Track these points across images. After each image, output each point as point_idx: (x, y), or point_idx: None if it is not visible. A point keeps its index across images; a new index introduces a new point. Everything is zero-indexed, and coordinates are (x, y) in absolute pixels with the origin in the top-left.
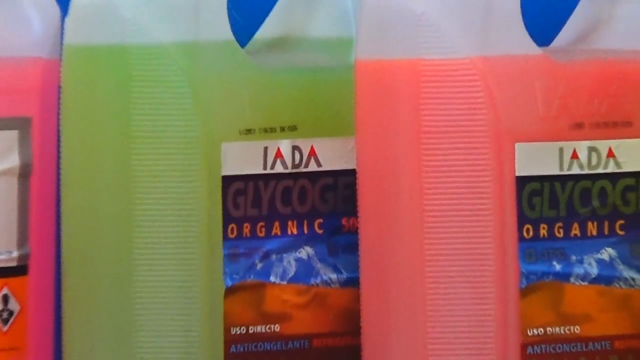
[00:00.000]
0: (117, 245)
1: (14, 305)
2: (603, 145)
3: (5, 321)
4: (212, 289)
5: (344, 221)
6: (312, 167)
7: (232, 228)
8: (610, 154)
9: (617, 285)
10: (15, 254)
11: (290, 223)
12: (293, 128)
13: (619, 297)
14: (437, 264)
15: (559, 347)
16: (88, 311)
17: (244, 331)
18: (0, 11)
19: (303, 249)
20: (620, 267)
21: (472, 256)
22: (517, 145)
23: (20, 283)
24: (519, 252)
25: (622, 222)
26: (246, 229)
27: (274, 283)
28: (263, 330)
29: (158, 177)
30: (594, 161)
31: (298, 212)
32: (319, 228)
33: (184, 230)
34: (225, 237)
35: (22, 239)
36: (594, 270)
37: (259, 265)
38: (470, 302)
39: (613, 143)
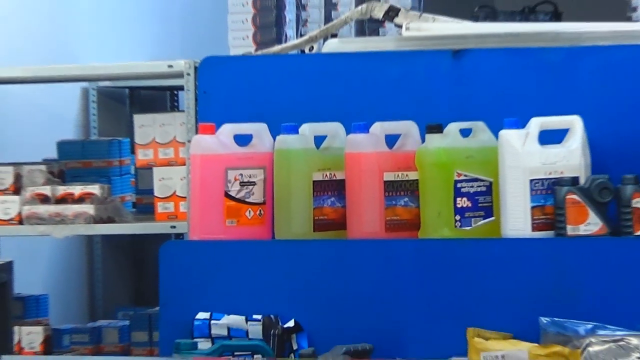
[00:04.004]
0: (286, 195)
1: (263, 210)
2: (409, 173)
3: (261, 214)
4: (310, 207)
5: (344, 192)
6: (334, 178)
7: (316, 193)
8: (413, 176)
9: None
10: (262, 199)
11: (330, 192)
12: (330, 168)
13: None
14: (368, 202)
15: (394, 221)
16: (283, 209)
17: (319, 218)
18: (258, 139)
19: (333, 197)
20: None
21: (374, 199)
22: (384, 173)
23: (263, 206)
24: (384, 198)
25: (417, 191)
26: (320, 193)
27: (326, 206)
28: (324, 217)
29: (297, 186)
30: (405, 177)
31: (332, 188)
32: (337, 194)
33: (302, 192)
34: (314, 195)
35: (265, 195)
36: (402, 203)
37: (321, 202)
38: (376, 208)
39: (410, 173)
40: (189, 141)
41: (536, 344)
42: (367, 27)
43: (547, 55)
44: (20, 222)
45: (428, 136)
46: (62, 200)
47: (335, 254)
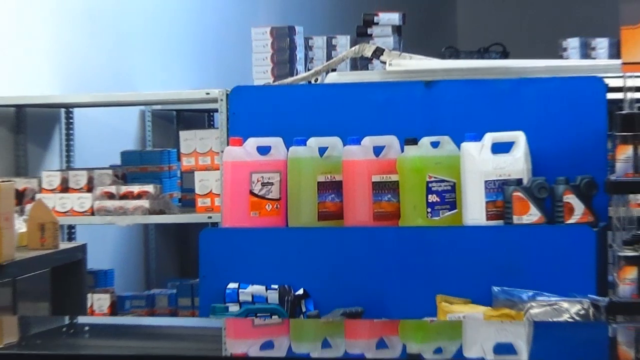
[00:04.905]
0: (297, 192)
1: (279, 204)
2: (391, 176)
3: (277, 208)
4: (315, 202)
5: (342, 190)
6: (334, 179)
7: (320, 191)
8: (394, 178)
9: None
10: (279, 196)
11: (330, 190)
12: (330, 172)
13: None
14: (360, 198)
15: (380, 213)
16: (295, 204)
17: (322, 210)
18: (275, 149)
19: (333, 194)
20: None
21: (365, 196)
22: (372, 175)
23: (279, 202)
24: (372, 195)
25: (398, 190)
26: (323, 191)
27: (328, 201)
28: (326, 210)
29: (305, 185)
30: (388, 179)
31: (332, 187)
32: (336, 192)
33: (309, 190)
34: (319, 193)
35: (281, 193)
36: (386, 199)
37: (324, 198)
38: (367, 203)
39: (392, 176)
40: (222, 151)
41: (489, 307)
42: (359, 63)
43: (498, 85)
44: (92, 214)
45: (406, 147)
46: (124, 196)
47: (334, 238)
